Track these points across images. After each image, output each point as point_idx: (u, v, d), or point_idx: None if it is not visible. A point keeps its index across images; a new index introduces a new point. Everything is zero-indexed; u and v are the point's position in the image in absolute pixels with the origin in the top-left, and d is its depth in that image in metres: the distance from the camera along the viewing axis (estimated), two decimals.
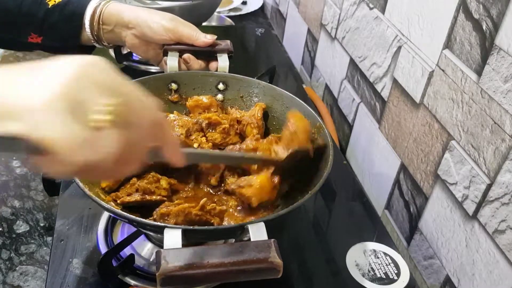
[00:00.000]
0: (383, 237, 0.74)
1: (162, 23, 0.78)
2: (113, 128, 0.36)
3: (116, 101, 0.36)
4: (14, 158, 0.90)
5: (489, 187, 0.62)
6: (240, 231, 0.50)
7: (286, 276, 0.59)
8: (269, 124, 0.75)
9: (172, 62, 0.78)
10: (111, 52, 1.03)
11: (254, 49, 1.34)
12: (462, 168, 0.67)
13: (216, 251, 0.45)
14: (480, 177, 0.64)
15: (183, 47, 0.79)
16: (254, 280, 0.45)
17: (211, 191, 0.66)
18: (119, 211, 0.53)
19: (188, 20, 0.81)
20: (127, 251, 0.64)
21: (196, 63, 0.80)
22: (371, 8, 0.93)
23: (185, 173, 0.66)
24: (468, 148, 0.66)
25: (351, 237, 0.73)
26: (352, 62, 1.03)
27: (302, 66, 1.37)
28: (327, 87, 1.18)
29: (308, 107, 0.70)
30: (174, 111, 0.74)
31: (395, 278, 0.67)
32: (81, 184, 0.53)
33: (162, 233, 0.47)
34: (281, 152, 0.62)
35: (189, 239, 0.48)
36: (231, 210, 0.62)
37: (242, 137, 0.72)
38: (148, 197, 0.60)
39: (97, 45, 0.83)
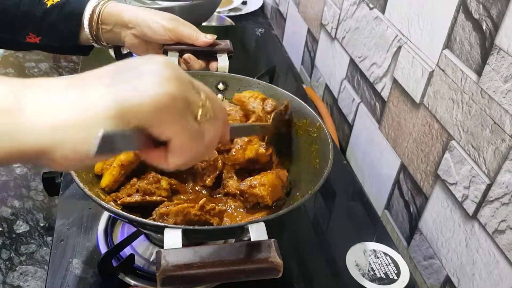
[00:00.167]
0: (383, 237, 0.74)
1: (162, 23, 0.77)
2: (209, 120, 0.41)
3: (204, 96, 0.41)
4: None
5: (489, 187, 0.62)
6: (240, 231, 0.50)
7: (286, 276, 0.59)
8: None
9: None
10: (111, 52, 1.03)
11: (254, 49, 1.34)
12: (462, 168, 0.67)
13: (216, 251, 0.45)
14: (480, 177, 0.64)
15: (183, 47, 0.79)
16: (254, 280, 0.45)
17: (211, 194, 0.65)
18: (119, 211, 0.53)
19: (188, 20, 0.81)
20: (127, 251, 0.64)
21: (196, 63, 0.80)
22: (371, 8, 0.93)
23: (182, 173, 0.66)
24: (468, 148, 0.66)
25: (351, 237, 0.73)
26: (352, 62, 1.03)
27: (302, 66, 1.37)
28: (327, 87, 1.18)
29: (308, 107, 0.70)
30: None
31: (395, 278, 0.67)
32: (81, 184, 0.53)
33: (162, 233, 0.47)
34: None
35: (189, 239, 0.48)
36: (230, 210, 0.62)
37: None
38: (148, 198, 0.60)
39: (96, 45, 0.82)
